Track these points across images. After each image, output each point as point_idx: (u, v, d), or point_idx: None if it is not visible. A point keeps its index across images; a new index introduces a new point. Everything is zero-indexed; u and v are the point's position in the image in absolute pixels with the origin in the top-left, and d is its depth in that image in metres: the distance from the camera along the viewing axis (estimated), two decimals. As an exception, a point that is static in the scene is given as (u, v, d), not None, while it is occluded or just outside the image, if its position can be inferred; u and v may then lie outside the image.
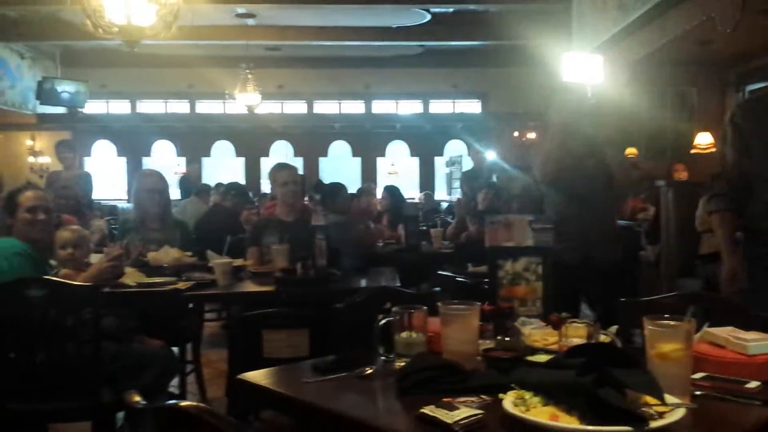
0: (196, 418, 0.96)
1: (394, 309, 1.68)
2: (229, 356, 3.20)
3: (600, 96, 5.99)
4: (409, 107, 13.20)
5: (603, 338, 1.64)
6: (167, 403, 1.04)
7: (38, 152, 11.48)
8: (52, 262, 2.96)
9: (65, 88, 10.99)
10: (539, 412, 1.20)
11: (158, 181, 3.92)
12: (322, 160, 13.63)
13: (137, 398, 1.09)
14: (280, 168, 4.16)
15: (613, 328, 1.78)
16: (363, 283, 3.46)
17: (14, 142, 11.80)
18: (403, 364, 1.58)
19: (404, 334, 1.64)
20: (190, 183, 9.35)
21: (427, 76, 12.42)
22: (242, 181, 12.77)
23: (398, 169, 14.00)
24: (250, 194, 8.51)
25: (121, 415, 2.82)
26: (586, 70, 6.14)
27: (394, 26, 9.94)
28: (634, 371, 1.28)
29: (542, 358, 1.57)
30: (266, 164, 13.08)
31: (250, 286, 3.35)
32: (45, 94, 10.76)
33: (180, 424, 1.00)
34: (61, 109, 11.22)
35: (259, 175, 13.11)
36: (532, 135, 11.46)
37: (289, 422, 1.90)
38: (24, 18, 9.41)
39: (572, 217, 3.04)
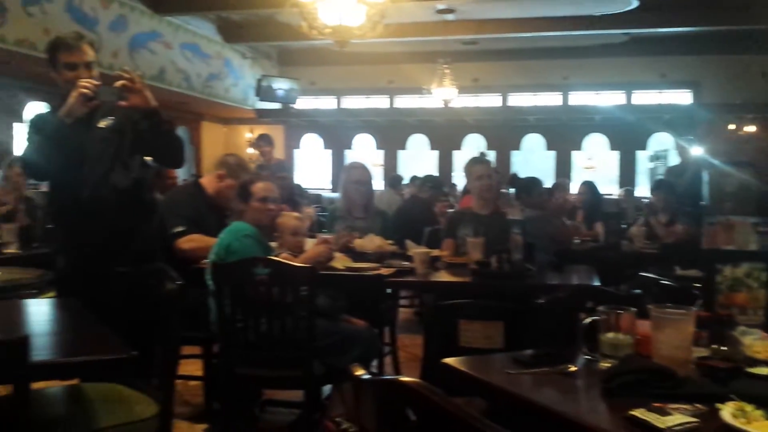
0: (416, 394, 1.04)
1: (600, 308, 1.66)
2: (425, 342, 3.32)
3: None
4: (609, 98, 12.58)
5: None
6: (389, 378, 1.14)
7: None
8: (272, 244, 3.30)
9: (280, 86, 12.00)
10: (762, 426, 1.13)
11: (364, 173, 4.18)
12: (514, 154, 13.48)
13: (361, 371, 1.20)
14: (475, 162, 4.23)
15: None
16: (559, 279, 3.41)
17: (236, 135, 13.14)
18: (608, 364, 1.56)
19: (611, 335, 1.61)
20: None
21: (631, 66, 11.72)
22: (435, 173, 13.07)
23: (595, 163, 13.40)
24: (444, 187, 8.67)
25: (327, 387, 3.07)
26: None
27: (597, 14, 9.51)
28: None
29: (765, 370, 1.47)
30: (459, 157, 13.23)
31: (446, 276, 3.46)
32: (263, 91, 11.82)
33: (399, 399, 1.09)
34: (275, 105, 12.27)
35: (452, 168, 13.30)
36: (751, 128, 10.40)
37: (480, 409, 1.95)
38: (246, 21, 10.43)
39: None
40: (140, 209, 2.95)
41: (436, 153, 13.65)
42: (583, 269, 3.71)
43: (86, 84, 2.69)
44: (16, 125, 8.01)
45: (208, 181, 3.66)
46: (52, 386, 2.19)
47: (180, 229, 3.36)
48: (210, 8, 9.31)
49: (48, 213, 3.90)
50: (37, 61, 6.90)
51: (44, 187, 3.81)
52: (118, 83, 2.71)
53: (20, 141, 7.50)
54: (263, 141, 7.75)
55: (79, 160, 2.82)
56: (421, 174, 10.82)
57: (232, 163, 3.65)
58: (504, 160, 13.01)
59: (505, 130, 13.03)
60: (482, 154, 11.37)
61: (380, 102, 13.43)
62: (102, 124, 2.88)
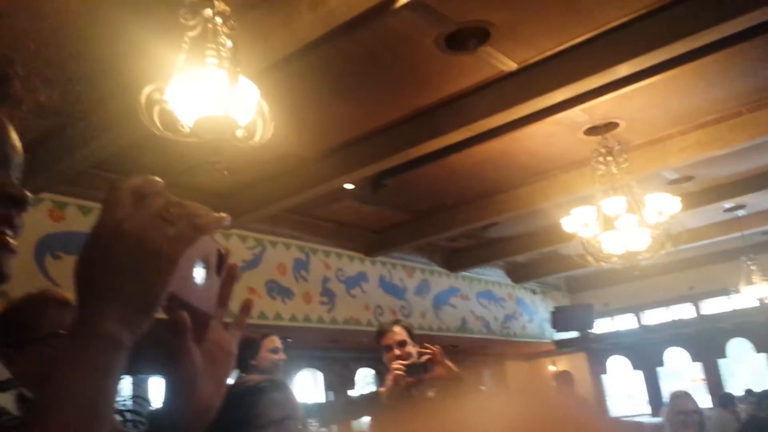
0: None
1: None
2: None
3: None
4: None
5: None
6: None
7: (560, 375, 12.51)
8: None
9: (574, 313, 12.04)
10: None
11: (687, 401, 3.96)
12: None
13: None
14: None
15: None
16: None
17: (538, 369, 13.14)
18: None
19: None
20: None
21: None
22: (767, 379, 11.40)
23: None
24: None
25: None
26: None
27: None
28: None
29: None
30: (795, 357, 11.48)
31: None
32: (557, 322, 11.92)
33: None
34: (572, 333, 12.21)
35: (791, 371, 11.49)
36: None
37: None
38: (531, 260, 11.02)
39: None
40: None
41: (764, 356, 12.01)
42: None
43: (398, 366, 3.14)
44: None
45: None
46: None
47: None
48: (498, 258, 10.11)
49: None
50: (361, 333, 8.02)
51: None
52: (424, 358, 3.13)
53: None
54: (561, 379, 7.78)
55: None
56: (752, 383, 9.61)
57: None
58: None
59: None
60: None
61: (684, 311, 12.58)
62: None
